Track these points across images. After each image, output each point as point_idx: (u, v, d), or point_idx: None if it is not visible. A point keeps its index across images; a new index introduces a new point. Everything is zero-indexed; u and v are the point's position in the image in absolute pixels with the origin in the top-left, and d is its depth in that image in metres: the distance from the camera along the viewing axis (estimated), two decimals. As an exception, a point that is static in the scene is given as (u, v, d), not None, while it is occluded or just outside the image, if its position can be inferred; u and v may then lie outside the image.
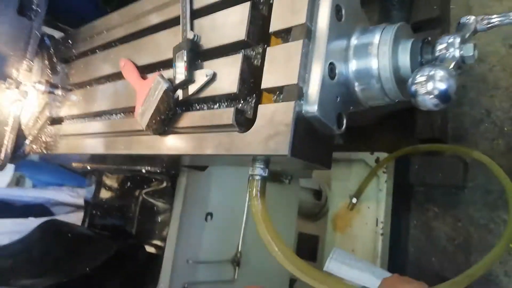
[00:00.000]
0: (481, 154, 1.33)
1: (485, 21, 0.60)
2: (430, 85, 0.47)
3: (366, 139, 1.98)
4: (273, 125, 0.55)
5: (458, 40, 0.53)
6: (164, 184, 0.99)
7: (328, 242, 1.78)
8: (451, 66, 0.52)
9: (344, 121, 0.59)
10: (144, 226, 1.05)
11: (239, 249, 1.17)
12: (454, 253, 1.64)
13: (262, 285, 1.07)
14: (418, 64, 0.56)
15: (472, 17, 0.61)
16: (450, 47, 0.53)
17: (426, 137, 1.75)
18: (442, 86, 0.47)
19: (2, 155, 0.97)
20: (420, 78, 0.48)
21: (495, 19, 0.60)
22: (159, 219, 1.02)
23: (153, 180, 1.02)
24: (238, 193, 1.17)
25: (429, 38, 0.57)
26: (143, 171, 0.99)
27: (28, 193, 1.18)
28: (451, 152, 1.57)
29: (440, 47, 0.54)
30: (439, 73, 0.47)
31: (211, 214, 1.12)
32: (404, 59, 0.56)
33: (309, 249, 1.84)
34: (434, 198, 1.80)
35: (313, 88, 0.54)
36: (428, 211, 1.84)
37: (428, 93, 0.48)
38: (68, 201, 1.19)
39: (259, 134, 0.57)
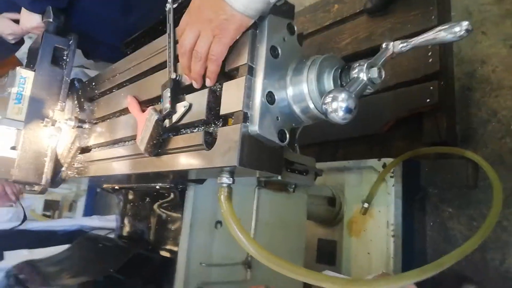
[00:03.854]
0: (473, 154, 1.40)
1: (401, 45, 0.73)
2: (335, 104, 0.61)
3: (378, 147, 2.07)
4: (227, 143, 0.72)
5: (365, 65, 0.67)
6: (174, 197, 1.17)
7: (345, 247, 1.86)
8: (359, 87, 0.66)
9: (287, 136, 0.74)
10: (160, 234, 1.23)
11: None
12: (471, 252, 1.68)
13: (266, 284, 1.20)
14: (339, 86, 0.70)
15: (391, 43, 0.74)
16: (360, 71, 0.67)
17: (434, 141, 1.81)
18: (343, 104, 0.61)
19: (44, 181, 1.21)
20: (327, 99, 0.62)
21: (410, 43, 0.73)
22: (172, 228, 1.20)
23: (165, 194, 1.21)
24: (245, 202, 1.32)
25: (348, 65, 0.71)
26: (157, 187, 1.18)
27: (66, 223, 1.41)
28: (451, 153, 1.63)
29: (353, 71, 0.68)
30: (341, 95, 0.61)
31: (220, 222, 1.28)
32: (329, 83, 0.71)
33: (328, 254, 1.94)
34: (448, 199, 1.85)
35: (255, 112, 0.70)
36: (444, 212, 1.89)
37: (334, 110, 0.62)
38: (100, 225, 1.40)
39: (218, 150, 0.73)
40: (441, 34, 0.68)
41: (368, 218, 1.81)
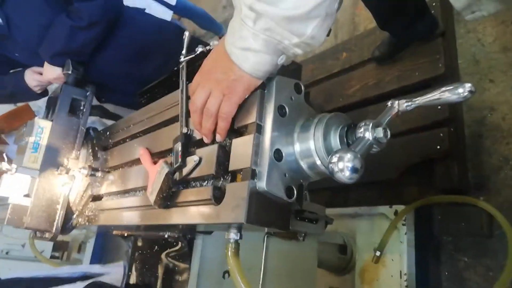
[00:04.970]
0: (486, 204, 1.38)
1: (406, 104, 0.75)
2: (341, 164, 0.62)
3: (390, 193, 2.05)
4: (235, 199, 0.72)
5: (370, 125, 0.68)
6: (182, 247, 1.17)
7: (357, 297, 1.81)
8: (365, 146, 0.67)
9: (295, 192, 0.74)
10: (167, 284, 1.22)
11: (259, 304, 1.28)
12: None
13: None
14: (346, 145, 0.72)
15: (396, 102, 0.76)
16: (366, 131, 0.69)
17: (446, 187, 1.79)
18: (349, 165, 0.62)
19: (54, 228, 1.22)
20: (333, 159, 0.63)
21: (414, 102, 0.75)
22: (180, 278, 1.18)
23: (174, 243, 1.21)
24: (254, 250, 1.30)
25: (353, 124, 0.72)
26: (166, 236, 1.18)
27: (69, 270, 1.41)
28: (464, 202, 1.61)
29: (359, 131, 0.70)
30: (347, 155, 0.62)
31: (228, 273, 1.26)
32: (335, 141, 0.72)
33: (339, 304, 1.88)
34: (463, 248, 1.80)
35: (263, 169, 0.72)
36: (459, 261, 1.84)
37: (341, 170, 0.63)
38: (100, 271, 1.40)
39: (227, 206, 0.74)
40: (445, 94, 0.70)
41: (381, 266, 1.77)
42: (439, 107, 1.75)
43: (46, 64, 1.51)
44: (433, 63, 1.83)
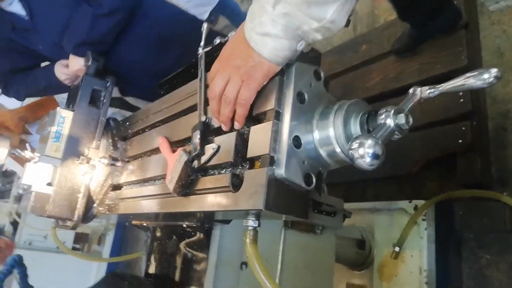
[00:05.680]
0: (510, 198, 1.34)
1: (429, 91, 0.73)
2: (362, 150, 0.61)
3: (409, 188, 2.02)
4: (253, 185, 0.72)
5: (392, 111, 0.67)
6: (200, 237, 1.18)
7: (375, 293, 1.79)
8: (386, 133, 0.66)
9: (313, 180, 0.74)
10: (185, 274, 1.23)
11: (277, 295, 1.28)
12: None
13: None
14: (366, 132, 0.70)
15: (418, 88, 0.74)
16: (387, 117, 0.67)
17: (468, 182, 1.75)
18: (370, 151, 0.61)
19: (76, 217, 1.24)
20: (354, 145, 0.62)
21: (438, 89, 0.73)
22: (198, 268, 1.19)
23: (192, 233, 1.21)
24: (271, 242, 1.30)
25: (374, 111, 0.71)
26: (184, 225, 1.19)
27: None
28: (487, 197, 1.57)
29: (380, 117, 0.68)
30: (368, 141, 0.61)
31: (245, 264, 1.26)
32: (355, 128, 0.71)
33: (357, 300, 1.86)
34: (485, 244, 1.76)
35: (282, 156, 0.71)
36: (481, 258, 1.80)
37: (361, 156, 0.62)
38: None
39: (245, 193, 0.74)
40: (470, 80, 0.68)
41: (400, 262, 1.74)
42: (461, 100, 1.71)
43: (71, 56, 1.54)
44: (456, 55, 1.79)
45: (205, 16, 2.49)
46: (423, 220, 1.68)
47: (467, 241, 1.77)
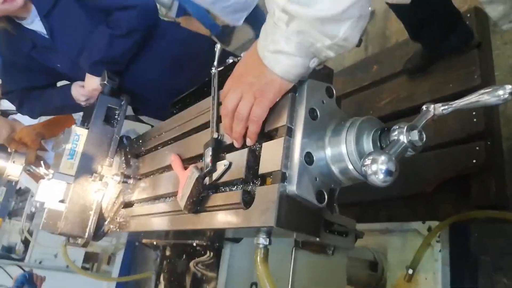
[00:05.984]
0: (528, 220, 1.30)
1: (442, 108, 0.73)
2: (375, 166, 0.61)
3: (422, 209, 1.98)
4: (265, 202, 0.72)
5: (405, 128, 0.67)
6: (210, 256, 1.17)
7: (388, 316, 1.74)
8: (399, 149, 0.65)
9: (326, 197, 0.73)
10: (195, 293, 1.22)
11: (286, 316, 1.25)
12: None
13: None
14: (379, 148, 0.70)
15: (432, 105, 0.74)
16: (400, 134, 0.67)
17: (482, 204, 1.72)
18: (383, 167, 0.60)
19: (86, 234, 1.25)
20: (367, 161, 0.62)
21: (451, 106, 0.72)
22: (207, 287, 1.17)
23: (202, 252, 1.20)
24: (281, 262, 1.28)
25: (387, 128, 0.71)
26: (194, 244, 1.18)
27: None
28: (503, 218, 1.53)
29: (393, 134, 0.68)
30: (381, 157, 0.61)
31: (255, 284, 1.24)
32: (368, 145, 0.71)
33: (369, 323, 1.81)
34: (502, 267, 1.71)
35: (293, 172, 0.71)
36: (498, 283, 1.74)
37: (374, 173, 0.61)
38: None
39: (256, 210, 0.73)
40: (484, 97, 0.67)
41: (413, 285, 1.69)
42: (474, 119, 1.69)
43: (87, 75, 1.57)
44: (469, 75, 1.78)
45: (240, 22, 2.51)
46: (437, 242, 1.64)
47: (483, 264, 1.72)
